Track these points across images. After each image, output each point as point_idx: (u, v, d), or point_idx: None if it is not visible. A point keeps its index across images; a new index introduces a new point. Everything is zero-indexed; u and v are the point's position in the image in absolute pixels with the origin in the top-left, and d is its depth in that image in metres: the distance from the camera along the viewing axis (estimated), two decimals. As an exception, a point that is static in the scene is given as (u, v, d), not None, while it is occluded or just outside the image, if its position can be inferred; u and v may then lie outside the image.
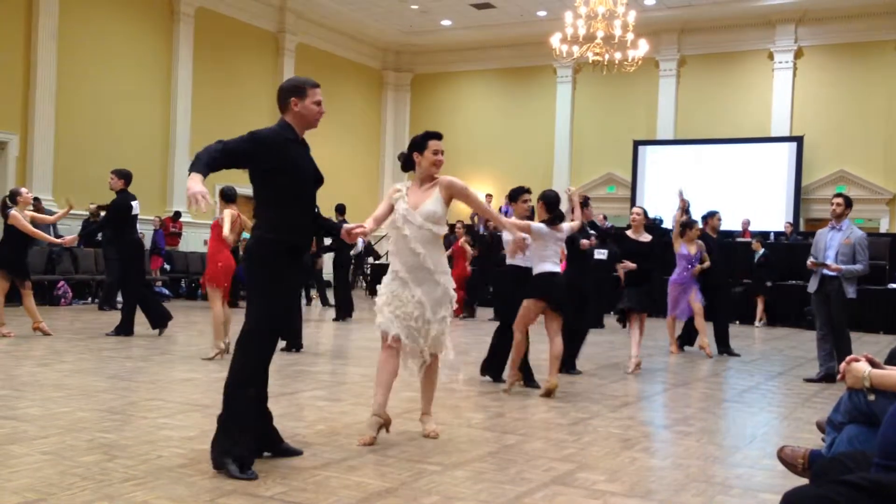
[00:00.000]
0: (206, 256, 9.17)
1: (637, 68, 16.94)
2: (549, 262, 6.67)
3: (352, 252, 14.24)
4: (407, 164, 5.08)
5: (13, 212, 9.52)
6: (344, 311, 13.37)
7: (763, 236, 17.41)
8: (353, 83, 24.83)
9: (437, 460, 4.41)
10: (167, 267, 17.71)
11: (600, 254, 11.89)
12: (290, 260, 4.22)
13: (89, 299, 15.37)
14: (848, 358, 3.31)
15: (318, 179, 4.37)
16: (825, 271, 8.07)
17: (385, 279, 4.93)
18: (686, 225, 10.20)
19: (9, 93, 16.15)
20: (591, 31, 16.04)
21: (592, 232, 9.37)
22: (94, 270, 15.65)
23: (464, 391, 6.72)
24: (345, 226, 4.66)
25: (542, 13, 22.44)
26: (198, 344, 9.40)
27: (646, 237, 8.72)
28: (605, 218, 15.69)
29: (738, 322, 15.14)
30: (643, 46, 16.45)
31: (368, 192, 24.44)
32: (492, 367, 7.41)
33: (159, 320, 10.09)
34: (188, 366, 7.69)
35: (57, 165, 16.74)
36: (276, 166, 4.15)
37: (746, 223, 18.85)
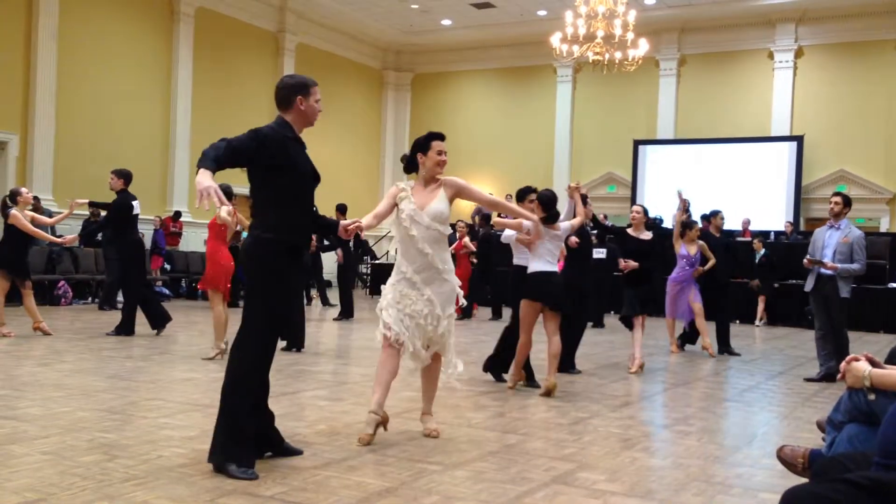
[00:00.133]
0: (205, 257, 9.17)
1: (637, 68, 16.94)
2: (543, 260, 6.67)
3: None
4: (410, 165, 5.10)
5: (13, 211, 9.53)
6: (345, 311, 13.42)
7: (763, 236, 17.42)
8: (353, 83, 24.83)
9: (437, 460, 4.41)
10: (167, 267, 17.72)
11: (599, 253, 11.90)
12: (289, 260, 4.20)
13: (89, 299, 15.37)
14: (848, 357, 3.31)
15: (316, 178, 4.37)
16: (822, 270, 8.07)
17: (391, 280, 4.93)
18: (686, 225, 10.20)
19: (9, 93, 16.15)
20: (592, 31, 16.04)
21: (594, 229, 9.37)
22: (94, 270, 15.65)
23: (464, 391, 6.71)
24: (342, 222, 4.66)
25: (542, 13, 22.44)
26: (198, 344, 9.40)
27: (646, 235, 8.71)
28: (605, 217, 15.69)
29: (738, 321, 15.14)
30: (643, 46, 16.44)
31: (368, 192, 24.44)
32: (494, 365, 7.42)
33: (158, 320, 10.12)
34: (188, 366, 7.70)
35: (57, 165, 16.74)
36: (276, 164, 4.12)
37: (746, 223, 18.85)
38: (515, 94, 24.67)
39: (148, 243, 15.94)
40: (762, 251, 15.82)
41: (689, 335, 10.75)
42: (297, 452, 4.38)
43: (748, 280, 15.57)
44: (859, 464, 2.75)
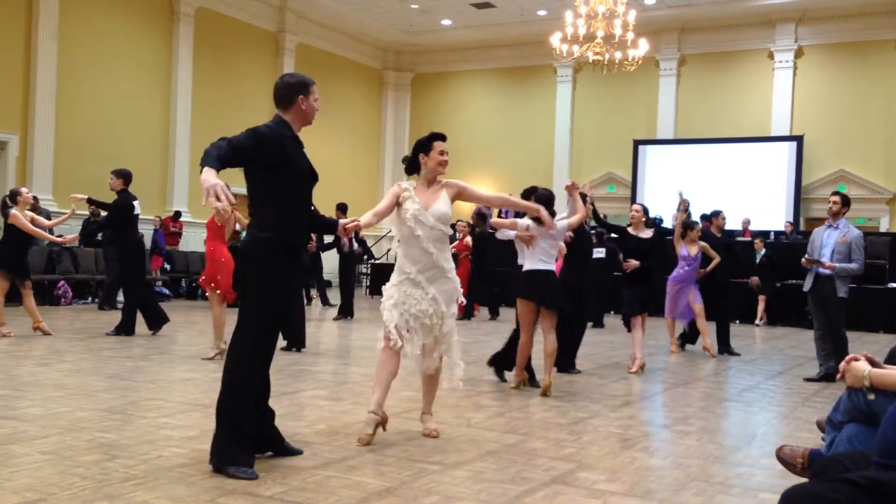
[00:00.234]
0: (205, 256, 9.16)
1: (637, 68, 16.94)
2: (536, 259, 6.66)
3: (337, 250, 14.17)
4: (411, 166, 5.11)
5: (13, 211, 9.53)
6: (346, 311, 13.42)
7: (763, 236, 17.41)
8: (353, 83, 24.83)
9: (437, 460, 4.41)
10: (167, 267, 17.72)
11: (599, 252, 11.90)
12: (287, 259, 4.19)
13: (89, 299, 15.38)
14: (848, 357, 3.31)
15: (314, 176, 4.36)
16: (820, 269, 8.07)
17: (393, 281, 4.92)
18: (687, 226, 10.20)
19: (9, 93, 16.15)
20: (592, 31, 16.05)
21: (594, 226, 9.36)
22: (94, 270, 15.65)
23: (464, 391, 6.71)
24: (340, 221, 4.66)
25: (542, 13, 22.44)
26: (198, 344, 9.40)
27: (646, 233, 8.71)
28: (605, 217, 15.67)
29: (738, 321, 15.14)
30: (643, 46, 16.45)
31: (368, 192, 24.43)
32: (498, 363, 7.41)
33: (155, 321, 10.13)
34: (188, 365, 7.70)
35: (57, 165, 16.74)
36: (275, 163, 4.11)
37: (746, 222, 18.85)
38: (515, 94, 24.67)
39: (148, 243, 15.94)
40: (763, 251, 15.82)
41: (689, 335, 10.75)
42: (297, 452, 4.37)
43: (747, 280, 15.57)
44: (859, 463, 2.75)
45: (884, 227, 20.11)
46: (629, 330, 8.72)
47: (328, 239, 13.58)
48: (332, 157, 22.24)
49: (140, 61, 18.63)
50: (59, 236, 12.49)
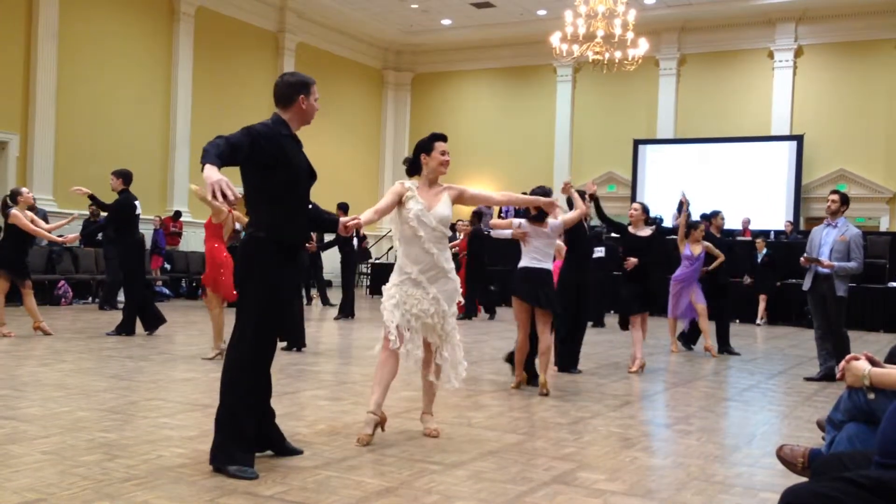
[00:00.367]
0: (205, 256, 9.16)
1: (637, 67, 16.95)
2: (530, 257, 6.66)
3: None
4: (413, 167, 5.10)
5: (14, 211, 9.54)
6: (346, 310, 13.42)
7: (763, 235, 17.41)
8: (353, 83, 24.83)
9: (437, 459, 4.41)
10: (167, 267, 17.72)
11: (599, 251, 11.90)
12: (285, 259, 4.18)
13: (90, 299, 15.38)
14: (848, 356, 3.31)
15: (313, 175, 4.35)
16: (819, 268, 8.06)
17: (393, 281, 4.91)
18: (691, 225, 10.22)
19: (9, 93, 16.15)
20: (591, 30, 16.05)
21: (595, 226, 9.35)
22: (94, 270, 15.65)
23: (464, 390, 6.71)
24: (341, 219, 4.66)
25: (542, 12, 22.43)
26: (198, 344, 9.40)
27: (645, 231, 8.72)
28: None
29: (738, 321, 15.14)
30: (643, 45, 16.45)
31: (368, 192, 24.42)
32: (512, 359, 7.38)
33: (153, 322, 10.15)
34: (188, 365, 7.70)
35: (57, 165, 16.73)
36: (272, 161, 4.09)
37: (747, 222, 18.85)
38: (515, 93, 24.66)
39: (148, 243, 15.94)
40: (764, 251, 15.82)
41: (690, 335, 10.75)
42: (298, 452, 4.37)
43: (742, 280, 15.56)
44: (859, 463, 2.75)
45: (884, 227, 20.11)
46: (624, 328, 8.73)
47: (329, 237, 13.57)
48: (332, 156, 22.23)
49: (140, 61, 18.62)
50: (60, 236, 12.50)
